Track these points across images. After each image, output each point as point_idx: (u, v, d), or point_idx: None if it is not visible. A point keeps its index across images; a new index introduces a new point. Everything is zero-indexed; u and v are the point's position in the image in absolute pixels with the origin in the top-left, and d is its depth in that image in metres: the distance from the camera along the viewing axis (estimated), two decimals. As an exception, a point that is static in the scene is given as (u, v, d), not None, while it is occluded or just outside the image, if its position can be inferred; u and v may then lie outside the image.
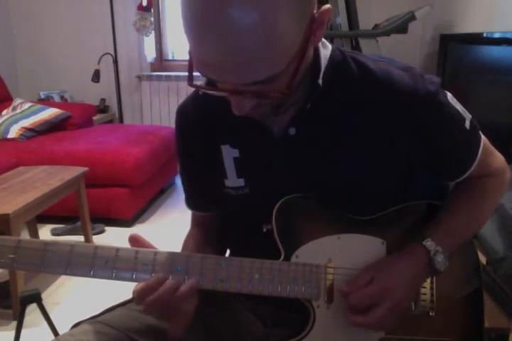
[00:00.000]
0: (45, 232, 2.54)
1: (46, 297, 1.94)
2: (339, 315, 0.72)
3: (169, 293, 0.66)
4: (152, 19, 3.54)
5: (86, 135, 3.01)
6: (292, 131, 0.74)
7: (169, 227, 2.61)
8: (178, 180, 3.37)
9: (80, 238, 2.39)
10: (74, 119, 3.20)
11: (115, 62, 3.63)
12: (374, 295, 0.69)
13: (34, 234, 2.29)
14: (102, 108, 3.84)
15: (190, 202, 0.92)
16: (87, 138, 2.91)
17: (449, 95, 0.75)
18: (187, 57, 0.62)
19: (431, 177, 0.85)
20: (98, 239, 2.50)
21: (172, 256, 0.70)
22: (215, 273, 0.70)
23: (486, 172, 0.81)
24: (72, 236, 2.51)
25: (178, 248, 0.86)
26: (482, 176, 0.81)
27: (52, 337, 1.36)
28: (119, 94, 3.71)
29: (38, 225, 2.34)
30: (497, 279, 1.25)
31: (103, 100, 3.88)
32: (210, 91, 0.64)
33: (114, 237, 2.54)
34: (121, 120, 3.81)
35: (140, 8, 3.48)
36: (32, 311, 1.67)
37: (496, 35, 2.03)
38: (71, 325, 0.79)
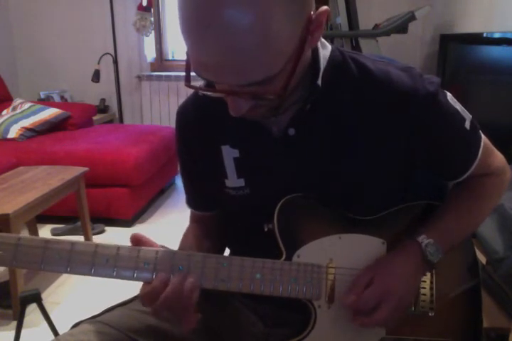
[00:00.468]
0: (45, 232, 2.54)
1: (46, 297, 1.94)
2: (340, 315, 0.73)
3: (175, 294, 0.66)
4: (152, 19, 3.54)
5: (86, 135, 3.01)
6: (292, 131, 0.74)
7: (169, 227, 2.61)
8: (178, 180, 3.37)
9: (80, 238, 2.39)
10: (74, 119, 3.20)
11: (115, 62, 3.63)
12: (375, 296, 0.70)
13: (34, 234, 2.29)
14: (102, 108, 3.84)
15: (191, 202, 0.92)
16: (87, 138, 2.91)
17: (449, 95, 0.75)
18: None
19: (431, 177, 0.85)
20: (98, 239, 2.50)
21: (173, 254, 0.70)
22: (216, 273, 0.70)
23: (485, 172, 0.81)
24: (72, 236, 2.50)
25: (178, 248, 0.86)
26: (482, 175, 0.81)
27: (52, 337, 1.36)
28: (119, 94, 3.71)
29: (38, 225, 2.34)
30: (497, 279, 1.25)
31: (103, 100, 3.88)
32: (207, 92, 0.64)
33: (114, 237, 2.54)
34: (121, 120, 3.81)
35: (140, 8, 3.48)
36: (32, 311, 1.68)
37: (496, 35, 2.03)
38: (71, 325, 0.79)
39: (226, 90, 0.61)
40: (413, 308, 0.77)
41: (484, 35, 2.15)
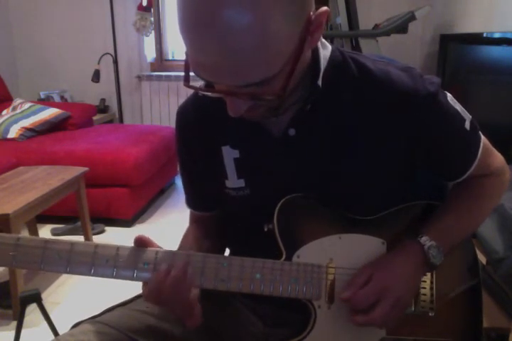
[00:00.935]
0: (45, 232, 2.54)
1: (46, 297, 1.94)
2: (340, 315, 0.73)
3: (179, 277, 0.67)
4: (152, 19, 3.54)
5: (86, 135, 3.01)
6: (292, 131, 0.74)
7: (169, 227, 2.61)
8: (178, 180, 3.37)
9: (80, 238, 2.38)
10: (74, 119, 3.20)
11: (115, 62, 3.63)
12: (374, 294, 0.70)
13: (34, 234, 2.29)
14: (102, 108, 3.84)
15: (191, 203, 0.92)
16: (87, 138, 2.91)
17: (449, 95, 0.75)
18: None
19: (431, 177, 0.85)
20: (98, 239, 2.50)
21: (173, 255, 0.70)
22: (216, 273, 0.70)
23: (485, 172, 0.81)
24: (72, 236, 2.50)
25: (177, 248, 0.86)
26: (482, 176, 0.81)
27: (52, 337, 1.36)
28: (119, 94, 3.71)
29: (38, 225, 2.33)
30: (497, 279, 1.25)
31: (103, 100, 3.88)
32: (205, 93, 0.64)
33: (114, 237, 2.54)
34: (121, 120, 3.81)
35: (140, 8, 3.48)
36: (32, 311, 1.68)
37: (496, 35, 2.03)
38: (71, 325, 0.79)
39: (224, 90, 0.61)
40: (413, 308, 0.77)
41: (484, 35, 2.15)
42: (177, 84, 3.68)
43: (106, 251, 0.69)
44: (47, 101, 3.59)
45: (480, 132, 0.79)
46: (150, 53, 3.86)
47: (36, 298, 1.32)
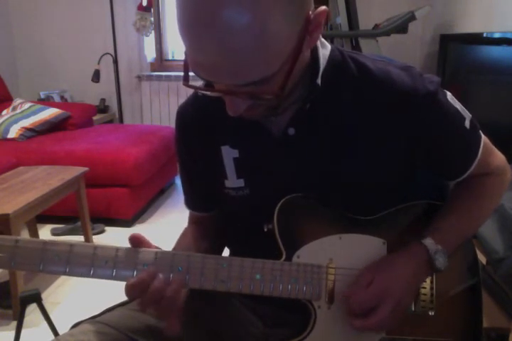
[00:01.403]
0: (45, 232, 2.54)
1: (46, 297, 1.94)
2: (340, 315, 0.72)
3: (159, 291, 0.66)
4: (152, 19, 3.54)
5: (86, 135, 3.01)
6: (291, 131, 0.74)
7: (169, 227, 2.61)
8: (178, 180, 3.36)
9: (80, 238, 2.39)
10: (74, 119, 3.20)
11: (115, 62, 3.63)
12: (374, 297, 0.69)
13: (34, 234, 2.29)
14: (102, 108, 3.84)
15: (190, 203, 0.92)
16: (87, 138, 2.91)
17: (449, 94, 0.75)
18: (185, 58, 0.62)
19: (431, 177, 0.85)
20: (98, 239, 2.50)
21: (173, 255, 0.70)
22: (216, 273, 0.70)
23: (486, 171, 0.81)
24: (72, 236, 2.51)
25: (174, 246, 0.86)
26: (482, 175, 0.81)
27: (52, 337, 1.36)
28: (119, 94, 3.71)
29: (38, 225, 2.33)
30: (497, 279, 1.25)
31: (103, 100, 3.88)
32: (204, 92, 0.64)
33: (114, 237, 2.54)
34: (121, 120, 3.81)
35: (140, 8, 3.48)
36: (32, 311, 1.67)
37: (496, 35, 2.03)
38: (71, 325, 0.79)
39: (223, 90, 0.61)
40: (413, 308, 0.77)
41: (484, 35, 2.15)
42: (177, 84, 3.68)
43: (105, 252, 0.69)
44: (47, 101, 3.59)
45: (480, 131, 0.79)
46: (150, 53, 3.86)
47: (36, 298, 1.32)
